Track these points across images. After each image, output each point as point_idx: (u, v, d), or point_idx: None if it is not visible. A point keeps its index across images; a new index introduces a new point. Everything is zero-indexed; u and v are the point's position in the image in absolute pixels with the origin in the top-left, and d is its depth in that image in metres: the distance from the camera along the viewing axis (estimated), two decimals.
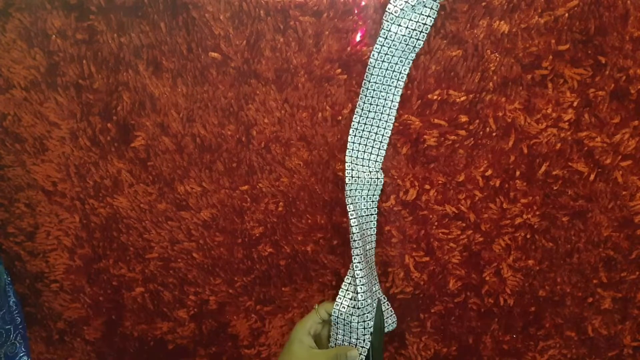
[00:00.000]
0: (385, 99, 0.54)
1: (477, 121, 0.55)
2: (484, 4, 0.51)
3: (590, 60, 0.52)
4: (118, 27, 0.56)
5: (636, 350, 0.62)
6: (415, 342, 0.66)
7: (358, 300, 0.54)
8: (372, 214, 0.58)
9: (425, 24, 0.51)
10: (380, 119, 0.55)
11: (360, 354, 0.54)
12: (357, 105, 0.55)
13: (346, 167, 0.55)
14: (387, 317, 0.61)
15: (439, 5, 0.51)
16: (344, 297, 0.56)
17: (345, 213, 0.60)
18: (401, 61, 0.53)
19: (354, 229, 0.54)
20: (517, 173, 0.57)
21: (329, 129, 0.58)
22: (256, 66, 0.56)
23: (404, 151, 0.57)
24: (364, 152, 0.56)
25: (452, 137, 0.56)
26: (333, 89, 0.56)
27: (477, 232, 0.59)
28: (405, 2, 0.49)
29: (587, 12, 0.50)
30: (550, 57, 0.52)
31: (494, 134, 0.56)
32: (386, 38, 0.51)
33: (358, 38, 0.54)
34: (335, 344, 0.56)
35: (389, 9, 0.50)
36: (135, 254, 0.65)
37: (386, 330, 0.61)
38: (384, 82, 0.54)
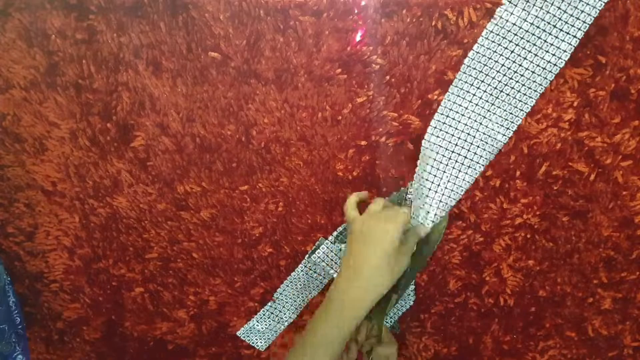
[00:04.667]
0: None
1: None
2: (484, 4, 0.51)
3: (590, 60, 0.52)
4: (118, 27, 0.56)
5: (636, 350, 0.62)
6: (416, 342, 0.65)
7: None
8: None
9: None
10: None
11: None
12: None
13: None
14: (409, 295, 0.62)
15: None
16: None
17: (344, 213, 0.60)
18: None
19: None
20: (518, 173, 0.57)
21: (329, 129, 0.58)
22: (256, 66, 0.56)
23: (404, 151, 0.57)
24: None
25: None
26: (333, 89, 0.56)
27: (477, 232, 0.59)
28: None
29: None
30: None
31: None
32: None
33: (358, 38, 0.54)
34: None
35: None
36: (135, 254, 0.65)
37: (405, 308, 0.62)
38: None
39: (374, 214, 0.50)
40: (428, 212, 0.55)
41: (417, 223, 0.56)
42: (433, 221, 0.56)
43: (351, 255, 0.49)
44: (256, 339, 0.67)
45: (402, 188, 0.58)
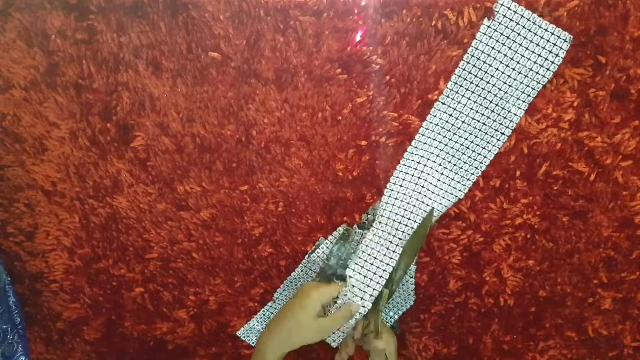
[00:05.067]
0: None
1: None
2: (484, 4, 0.51)
3: (590, 60, 0.52)
4: (118, 27, 0.56)
5: (636, 350, 0.62)
6: (416, 342, 0.65)
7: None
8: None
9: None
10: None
11: (363, 306, 0.55)
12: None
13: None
14: (409, 295, 0.62)
15: None
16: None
17: (344, 213, 0.60)
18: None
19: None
20: (518, 173, 0.57)
21: (329, 129, 0.58)
22: (256, 66, 0.56)
23: (404, 151, 0.57)
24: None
25: None
26: (333, 89, 0.56)
27: (477, 232, 0.59)
28: None
29: (587, 12, 0.50)
30: None
31: None
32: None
33: (358, 38, 0.54)
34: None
35: None
36: (135, 254, 0.65)
37: (405, 307, 0.63)
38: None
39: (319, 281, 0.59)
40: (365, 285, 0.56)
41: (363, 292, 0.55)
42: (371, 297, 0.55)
43: (284, 306, 0.55)
44: (256, 339, 0.67)
45: (371, 206, 0.59)
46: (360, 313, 0.55)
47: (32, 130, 0.61)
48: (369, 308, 0.55)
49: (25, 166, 0.63)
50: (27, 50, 0.58)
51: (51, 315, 0.70)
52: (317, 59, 0.55)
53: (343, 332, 0.57)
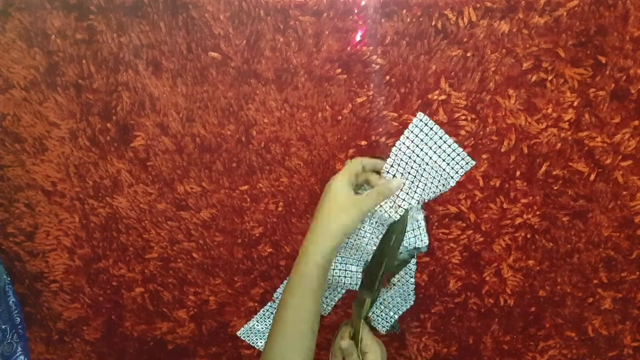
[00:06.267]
0: None
1: (477, 121, 0.55)
2: (484, 4, 0.51)
3: (590, 60, 0.52)
4: (118, 27, 0.56)
5: (636, 350, 0.62)
6: (416, 343, 0.65)
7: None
8: None
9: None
10: None
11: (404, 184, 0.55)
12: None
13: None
14: (409, 295, 0.62)
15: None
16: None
17: None
18: None
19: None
20: (518, 173, 0.57)
21: (329, 128, 0.58)
22: (256, 66, 0.56)
23: None
24: None
25: (452, 137, 0.56)
26: (333, 89, 0.56)
27: (477, 232, 0.59)
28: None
29: (587, 12, 0.50)
30: (551, 57, 0.52)
31: (494, 134, 0.55)
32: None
33: (358, 38, 0.54)
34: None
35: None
36: (135, 254, 0.65)
37: (405, 307, 0.63)
38: None
39: None
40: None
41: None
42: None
43: (317, 206, 0.53)
44: (256, 339, 0.67)
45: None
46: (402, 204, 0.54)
47: (32, 130, 0.61)
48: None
49: (25, 166, 0.63)
50: (27, 50, 0.58)
51: (51, 315, 0.70)
52: (317, 59, 0.55)
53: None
